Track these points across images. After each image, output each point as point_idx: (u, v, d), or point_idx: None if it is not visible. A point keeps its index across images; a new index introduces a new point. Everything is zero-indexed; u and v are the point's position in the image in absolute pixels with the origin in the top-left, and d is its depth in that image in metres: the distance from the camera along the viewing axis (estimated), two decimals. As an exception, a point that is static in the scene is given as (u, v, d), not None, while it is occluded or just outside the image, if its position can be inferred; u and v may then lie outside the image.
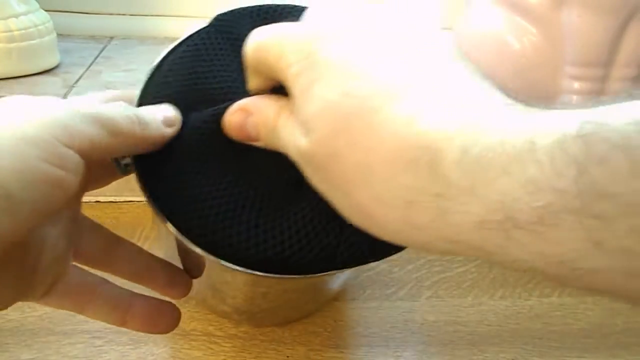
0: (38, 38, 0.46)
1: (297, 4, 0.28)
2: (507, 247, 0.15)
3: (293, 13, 0.27)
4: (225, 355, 0.35)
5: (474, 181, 0.15)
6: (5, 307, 0.21)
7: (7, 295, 0.21)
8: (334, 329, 0.37)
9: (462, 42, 0.57)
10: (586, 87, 0.49)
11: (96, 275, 0.26)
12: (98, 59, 0.52)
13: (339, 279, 0.33)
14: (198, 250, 0.23)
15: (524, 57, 0.50)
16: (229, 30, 0.28)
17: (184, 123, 0.24)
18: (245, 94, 0.24)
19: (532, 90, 0.51)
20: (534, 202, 0.14)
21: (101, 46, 0.56)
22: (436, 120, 0.16)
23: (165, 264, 0.28)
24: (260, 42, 0.21)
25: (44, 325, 0.35)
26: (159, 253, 0.29)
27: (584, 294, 0.42)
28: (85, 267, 0.26)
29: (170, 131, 0.23)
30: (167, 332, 0.27)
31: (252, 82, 0.23)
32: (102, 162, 0.25)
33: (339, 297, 0.39)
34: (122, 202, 0.47)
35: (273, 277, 0.23)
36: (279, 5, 0.28)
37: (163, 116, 0.23)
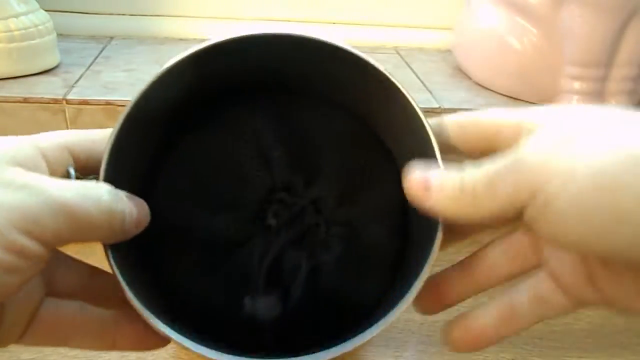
0: (38, 38, 0.46)
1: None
2: None
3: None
4: (225, 355, 0.34)
5: None
6: None
7: None
8: (334, 329, 0.37)
9: (462, 42, 0.57)
10: (586, 87, 0.49)
11: (72, 304, 0.24)
12: (98, 59, 0.52)
13: None
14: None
15: (524, 57, 0.50)
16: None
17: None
18: None
19: (532, 90, 0.51)
20: None
21: (101, 46, 0.56)
22: None
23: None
24: None
25: (44, 325, 0.35)
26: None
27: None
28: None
29: (136, 232, 0.22)
30: (158, 348, 0.25)
31: None
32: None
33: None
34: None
35: None
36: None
37: (137, 219, 0.22)
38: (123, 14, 0.60)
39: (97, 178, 0.22)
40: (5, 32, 0.44)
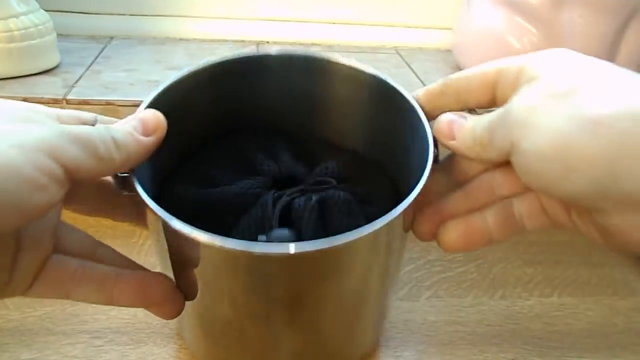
0: (38, 38, 0.46)
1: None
2: None
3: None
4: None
5: None
6: None
7: None
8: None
9: (462, 42, 0.57)
10: (586, 87, 0.49)
11: (76, 260, 0.25)
12: (98, 59, 0.52)
13: None
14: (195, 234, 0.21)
15: (524, 57, 0.50)
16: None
17: None
18: None
19: (532, 90, 0.51)
20: None
21: (101, 46, 0.56)
22: None
23: (154, 274, 0.27)
24: None
25: (44, 325, 0.35)
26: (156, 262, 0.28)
27: (584, 294, 0.42)
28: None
29: (152, 140, 0.24)
30: (160, 303, 0.26)
31: None
32: (92, 185, 0.26)
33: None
34: (122, 202, 0.47)
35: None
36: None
37: (140, 127, 0.24)
38: (123, 14, 0.60)
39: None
40: (5, 32, 0.44)
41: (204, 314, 0.28)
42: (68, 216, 0.26)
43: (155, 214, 0.22)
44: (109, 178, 0.26)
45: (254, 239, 0.27)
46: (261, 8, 0.61)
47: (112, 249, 0.27)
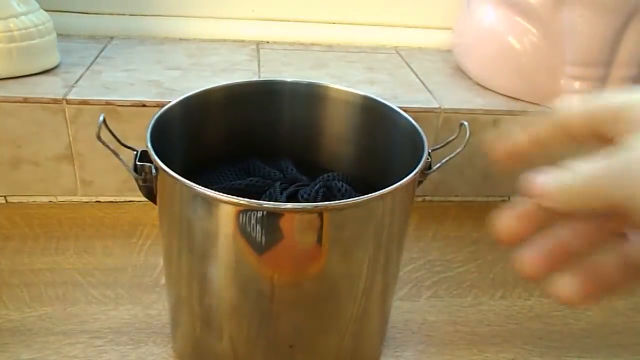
0: (38, 38, 0.46)
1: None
2: None
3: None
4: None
5: None
6: None
7: None
8: (334, 329, 0.37)
9: (462, 42, 0.57)
10: (586, 87, 0.49)
11: None
12: (98, 59, 0.52)
13: None
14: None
15: (524, 57, 0.50)
16: None
17: None
18: None
19: (532, 90, 0.51)
20: None
21: (101, 46, 0.56)
22: None
23: None
24: None
25: (44, 325, 0.35)
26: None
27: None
28: None
29: None
30: None
31: None
32: None
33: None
34: (122, 202, 0.47)
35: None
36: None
37: None
38: (123, 14, 0.60)
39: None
40: (5, 32, 0.44)
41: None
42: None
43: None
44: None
45: None
46: (261, 9, 0.61)
47: None
